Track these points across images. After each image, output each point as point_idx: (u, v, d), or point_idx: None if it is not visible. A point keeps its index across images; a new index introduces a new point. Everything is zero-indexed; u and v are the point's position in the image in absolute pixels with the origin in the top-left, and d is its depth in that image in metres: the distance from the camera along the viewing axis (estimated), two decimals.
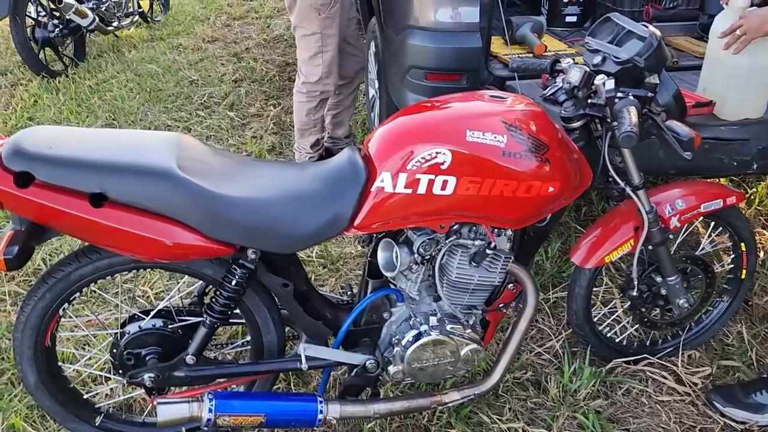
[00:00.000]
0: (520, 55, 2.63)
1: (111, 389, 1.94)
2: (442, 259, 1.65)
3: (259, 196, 1.49)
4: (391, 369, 1.71)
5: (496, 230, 1.66)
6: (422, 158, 1.50)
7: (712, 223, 2.01)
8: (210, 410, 1.56)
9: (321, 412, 1.65)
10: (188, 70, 4.69)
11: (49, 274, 1.56)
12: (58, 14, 4.56)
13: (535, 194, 1.55)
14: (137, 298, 2.33)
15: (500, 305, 1.83)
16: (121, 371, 1.67)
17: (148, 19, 5.80)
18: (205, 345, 1.64)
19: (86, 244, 1.54)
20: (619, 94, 1.54)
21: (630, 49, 1.59)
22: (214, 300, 1.60)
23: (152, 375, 1.62)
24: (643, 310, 1.97)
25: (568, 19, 3.16)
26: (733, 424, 1.88)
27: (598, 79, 1.58)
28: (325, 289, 2.44)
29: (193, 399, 1.58)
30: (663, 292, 1.92)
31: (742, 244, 2.02)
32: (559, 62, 1.81)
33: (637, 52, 1.57)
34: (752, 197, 2.94)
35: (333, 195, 1.53)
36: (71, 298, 1.60)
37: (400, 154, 1.51)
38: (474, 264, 1.66)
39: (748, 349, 2.15)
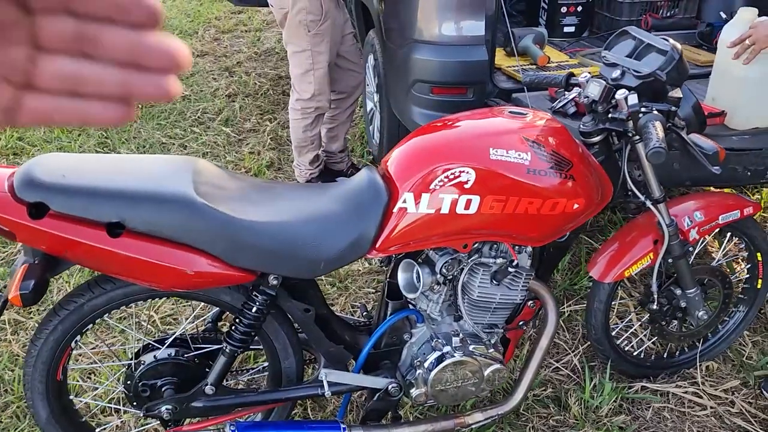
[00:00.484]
0: (523, 67, 2.63)
1: (122, 421, 1.88)
2: (464, 278, 1.62)
3: (279, 221, 1.45)
4: (414, 392, 1.68)
5: (517, 247, 1.63)
6: (445, 177, 1.47)
7: (728, 234, 2.00)
8: None
9: None
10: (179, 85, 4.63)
11: (60, 306, 1.50)
12: None
13: (560, 211, 1.53)
14: (143, 324, 2.27)
15: (520, 322, 1.80)
16: (135, 403, 1.61)
17: None
18: (225, 374, 1.60)
19: (98, 273, 1.49)
20: (643, 109, 1.52)
21: (651, 63, 1.58)
22: (234, 328, 1.55)
23: (170, 407, 1.57)
24: (663, 323, 1.96)
25: (567, 29, 3.17)
26: None
27: (620, 94, 1.57)
28: (336, 308, 2.40)
29: (215, 430, 1.52)
30: (682, 304, 1.91)
31: (759, 254, 2.01)
32: (574, 76, 1.80)
33: (659, 66, 1.56)
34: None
35: (355, 217, 1.49)
36: (84, 330, 1.54)
37: (422, 173, 1.48)
38: (495, 282, 1.64)
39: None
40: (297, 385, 1.68)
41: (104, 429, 1.84)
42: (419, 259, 1.66)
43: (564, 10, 3.12)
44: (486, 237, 1.56)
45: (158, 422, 1.66)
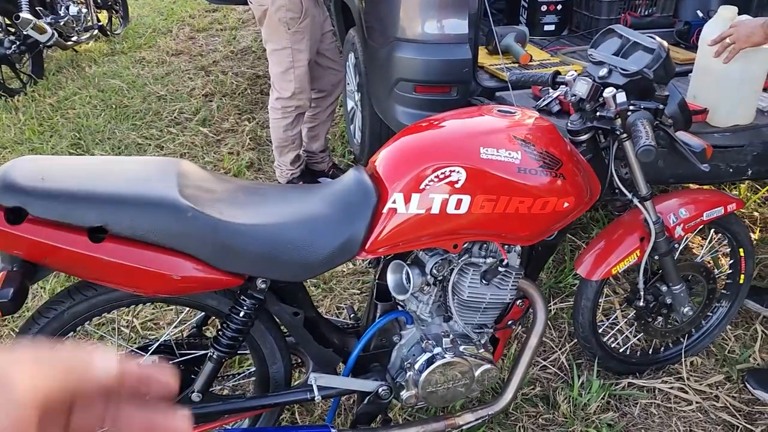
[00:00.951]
0: (507, 65, 2.62)
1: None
2: (453, 279, 1.61)
3: (267, 223, 1.41)
4: (404, 394, 1.66)
5: (506, 247, 1.62)
6: (436, 177, 1.45)
7: (712, 230, 2.02)
8: None
9: None
10: (154, 85, 4.55)
11: (40, 314, 1.45)
12: (13, 30, 4.36)
13: (550, 210, 1.52)
14: (123, 330, 2.21)
15: (509, 322, 1.79)
16: None
17: (108, 32, 5.61)
18: (212, 381, 1.56)
19: (78, 279, 1.44)
20: (631, 107, 1.52)
21: (638, 61, 1.58)
22: (221, 333, 1.51)
23: None
24: (649, 320, 1.97)
25: (547, 27, 3.19)
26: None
27: (608, 92, 1.57)
28: (322, 310, 2.37)
29: None
30: (668, 301, 1.92)
31: (741, 250, 2.04)
32: (560, 74, 1.80)
33: (646, 64, 1.56)
34: None
35: (344, 218, 1.46)
36: (64, 338, 1.49)
37: (412, 173, 1.46)
38: (485, 282, 1.63)
39: (752, 348, 2.17)
40: (286, 390, 1.64)
41: None
42: (408, 260, 1.64)
43: (544, 8, 3.13)
44: (476, 237, 1.54)
45: None
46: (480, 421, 1.75)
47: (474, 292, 1.62)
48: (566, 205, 1.53)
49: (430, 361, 1.62)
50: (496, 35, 2.54)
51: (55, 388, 0.40)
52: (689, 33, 2.91)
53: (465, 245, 1.59)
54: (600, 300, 2.23)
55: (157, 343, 1.59)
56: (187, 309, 1.80)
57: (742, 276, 2.08)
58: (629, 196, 1.72)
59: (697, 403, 1.97)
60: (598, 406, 1.95)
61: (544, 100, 1.89)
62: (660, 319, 2.00)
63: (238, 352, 1.69)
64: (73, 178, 1.32)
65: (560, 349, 2.17)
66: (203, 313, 1.73)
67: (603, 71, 1.64)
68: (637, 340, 2.14)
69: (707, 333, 2.16)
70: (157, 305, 2.31)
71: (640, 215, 1.80)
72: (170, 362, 1.57)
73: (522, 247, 1.68)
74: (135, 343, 2.03)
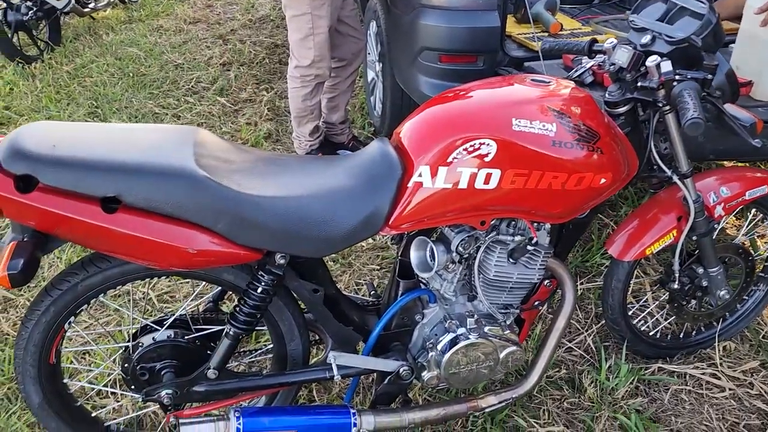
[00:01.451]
0: (536, 34, 2.51)
1: (120, 404, 1.80)
2: (480, 257, 1.54)
3: (288, 196, 1.35)
4: (425, 375, 1.60)
5: (535, 224, 1.55)
6: (464, 150, 1.37)
7: (753, 210, 1.92)
8: (238, 429, 1.43)
9: (355, 425, 1.53)
10: (172, 54, 4.47)
11: (53, 286, 1.41)
12: None
13: (586, 186, 1.44)
14: (139, 302, 2.18)
15: (536, 302, 1.72)
16: (134, 387, 1.53)
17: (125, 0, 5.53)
18: (229, 357, 1.51)
19: (92, 251, 1.39)
20: (677, 77, 1.42)
21: (685, 28, 1.47)
22: (238, 309, 1.46)
23: (170, 392, 1.48)
24: (683, 303, 1.88)
25: None
26: None
27: (651, 61, 1.46)
28: (340, 286, 2.31)
29: (218, 417, 1.45)
30: (704, 283, 1.83)
31: None
32: (597, 42, 1.69)
33: (694, 31, 1.45)
34: None
35: (367, 192, 1.39)
36: (78, 311, 1.45)
37: (439, 145, 1.38)
38: (512, 261, 1.55)
39: None
40: (304, 369, 1.60)
41: (101, 412, 1.76)
42: (433, 237, 1.57)
43: None
44: (505, 213, 1.47)
45: (157, 405, 1.58)
46: (503, 404, 1.69)
47: (501, 271, 1.55)
48: (603, 181, 1.45)
49: (453, 342, 1.56)
50: (525, 2, 2.42)
51: None
52: None
53: (493, 222, 1.52)
54: (630, 281, 2.16)
55: (173, 318, 1.54)
56: (203, 283, 1.75)
57: None
58: (668, 172, 1.62)
59: (730, 390, 1.90)
60: (627, 390, 1.88)
61: (576, 71, 1.78)
62: (694, 302, 1.92)
63: (256, 328, 1.64)
64: (85, 146, 1.26)
65: (587, 331, 2.10)
66: (220, 288, 1.68)
67: (646, 38, 1.53)
68: (668, 323, 2.06)
69: (742, 317, 2.07)
70: (175, 279, 2.27)
71: (678, 193, 1.70)
72: (186, 337, 1.53)
73: (552, 225, 1.61)
74: (151, 315, 2.00)
